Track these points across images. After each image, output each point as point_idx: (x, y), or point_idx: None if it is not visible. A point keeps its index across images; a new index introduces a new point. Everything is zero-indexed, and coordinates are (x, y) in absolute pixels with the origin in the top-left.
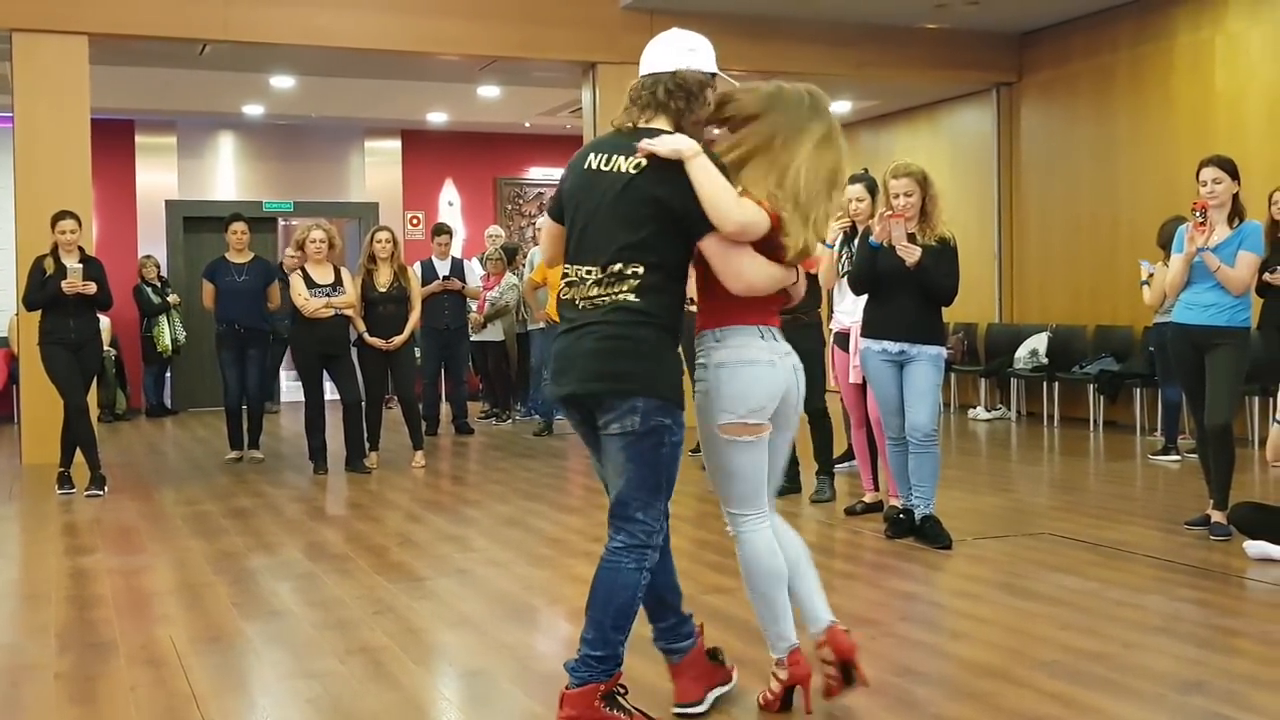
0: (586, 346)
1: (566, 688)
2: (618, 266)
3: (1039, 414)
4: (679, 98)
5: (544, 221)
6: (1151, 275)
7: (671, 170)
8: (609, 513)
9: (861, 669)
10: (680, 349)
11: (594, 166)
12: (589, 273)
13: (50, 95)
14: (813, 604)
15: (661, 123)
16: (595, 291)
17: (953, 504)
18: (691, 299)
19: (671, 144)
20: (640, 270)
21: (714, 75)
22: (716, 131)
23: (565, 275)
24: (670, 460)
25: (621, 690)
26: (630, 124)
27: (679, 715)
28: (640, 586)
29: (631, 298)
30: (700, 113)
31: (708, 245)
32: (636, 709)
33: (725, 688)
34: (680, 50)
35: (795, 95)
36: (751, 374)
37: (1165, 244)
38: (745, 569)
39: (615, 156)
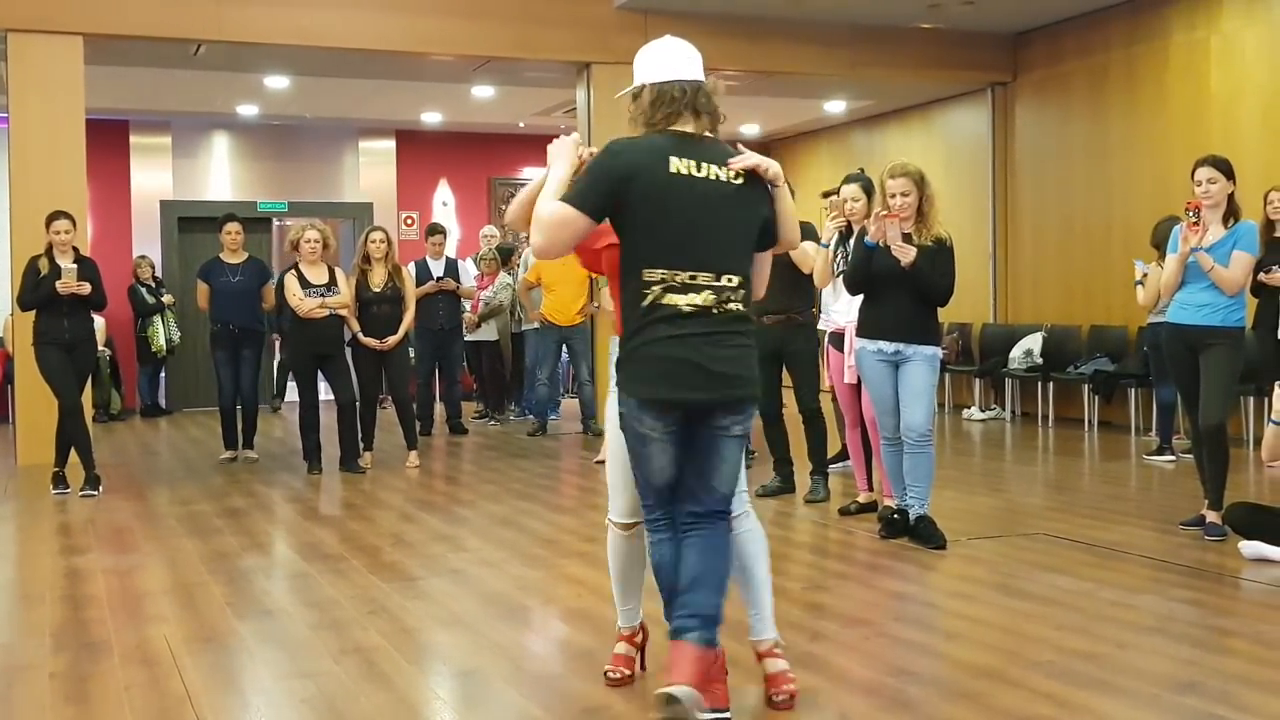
0: (720, 354)
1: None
2: (732, 278)
3: (1034, 414)
4: (707, 107)
5: (567, 210)
6: (1146, 275)
7: (763, 188)
8: (709, 496)
9: None
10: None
11: (683, 171)
12: (693, 278)
13: (45, 95)
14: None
15: (708, 131)
16: (711, 299)
17: (947, 504)
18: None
19: (772, 166)
20: (743, 280)
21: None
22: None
23: (661, 279)
24: None
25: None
26: (703, 132)
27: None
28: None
29: (742, 308)
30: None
31: (760, 258)
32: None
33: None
34: (694, 60)
35: None
36: None
37: (1159, 244)
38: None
39: (707, 165)
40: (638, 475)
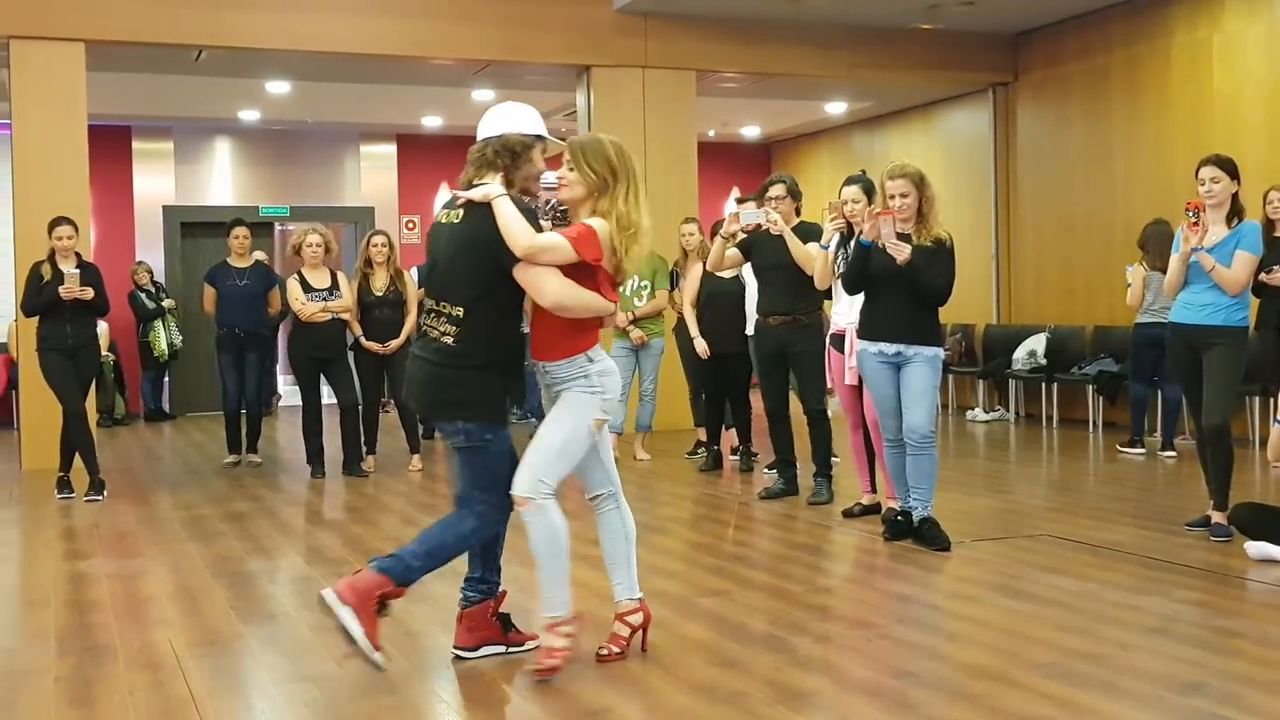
0: (415, 374)
1: (356, 572)
2: (446, 305)
3: (1037, 415)
4: (505, 156)
5: None
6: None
7: (483, 213)
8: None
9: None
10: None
11: (440, 220)
12: (436, 303)
13: (47, 101)
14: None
15: (493, 179)
16: (432, 324)
17: (950, 506)
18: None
19: (482, 191)
20: (466, 308)
21: (539, 137)
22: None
23: (428, 306)
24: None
25: (387, 605)
26: (467, 181)
27: (454, 655)
28: (468, 541)
29: (451, 336)
30: (527, 169)
31: (518, 271)
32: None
33: (500, 649)
34: (503, 117)
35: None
36: (618, 381)
37: (1144, 244)
38: (557, 532)
39: (446, 211)
40: None
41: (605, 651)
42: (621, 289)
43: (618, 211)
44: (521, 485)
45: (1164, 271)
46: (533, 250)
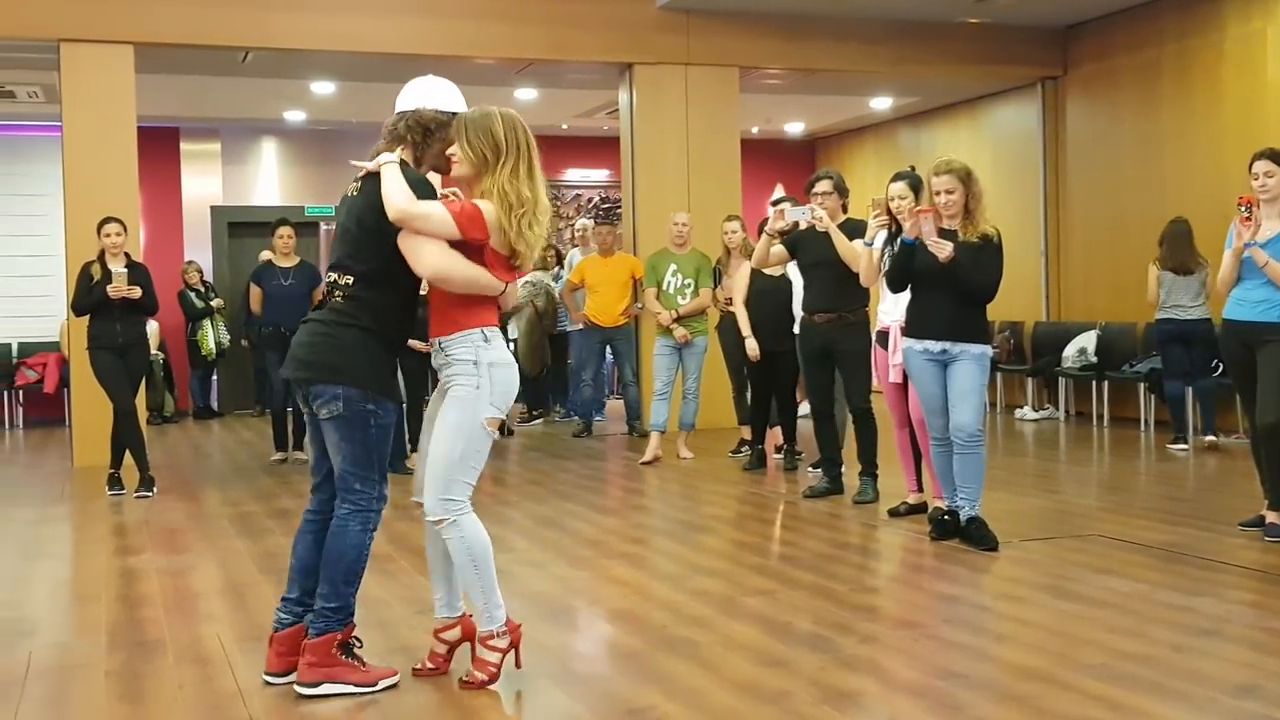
0: (300, 339)
1: (306, 637)
2: (333, 274)
3: (1088, 414)
4: (416, 132)
5: None
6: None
7: (372, 183)
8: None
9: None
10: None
11: (347, 193)
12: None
13: (97, 104)
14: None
15: (403, 153)
16: (335, 295)
17: (998, 505)
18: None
19: (376, 161)
20: (356, 275)
21: (454, 114)
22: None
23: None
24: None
25: (357, 643)
26: (374, 154)
27: (267, 681)
28: (365, 546)
29: (341, 299)
30: (438, 147)
31: (400, 240)
32: (364, 661)
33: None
34: (421, 93)
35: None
36: (513, 374)
37: (1161, 242)
38: (475, 545)
39: (352, 184)
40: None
41: (420, 666)
42: (665, 287)
43: (499, 189)
44: (432, 508)
45: (1175, 271)
46: (406, 215)
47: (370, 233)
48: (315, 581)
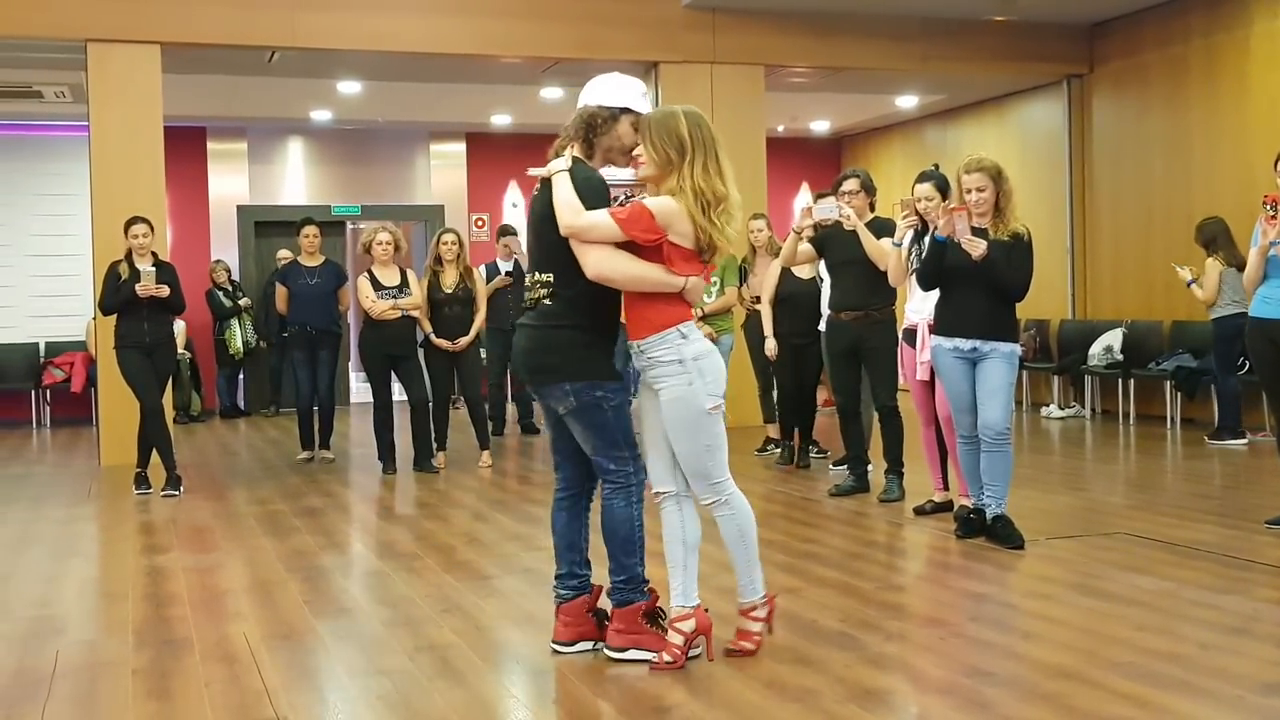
0: (520, 343)
1: (614, 606)
2: (538, 274)
3: (1114, 412)
4: (583, 129)
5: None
6: (1197, 279)
7: (548, 188)
8: (595, 468)
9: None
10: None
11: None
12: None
13: (124, 104)
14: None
15: (578, 149)
16: (528, 295)
17: (1025, 503)
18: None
19: (548, 168)
20: (550, 278)
21: (624, 110)
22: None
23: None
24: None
25: (661, 614)
26: (555, 150)
27: (555, 650)
28: (635, 519)
29: (548, 301)
30: (607, 141)
31: (571, 244)
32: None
33: (593, 644)
34: (592, 88)
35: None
36: (718, 359)
37: (1208, 243)
38: (743, 519)
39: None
40: None
41: (657, 661)
42: None
43: (694, 187)
44: (704, 495)
45: (1239, 268)
46: (574, 230)
47: (551, 240)
48: (578, 555)
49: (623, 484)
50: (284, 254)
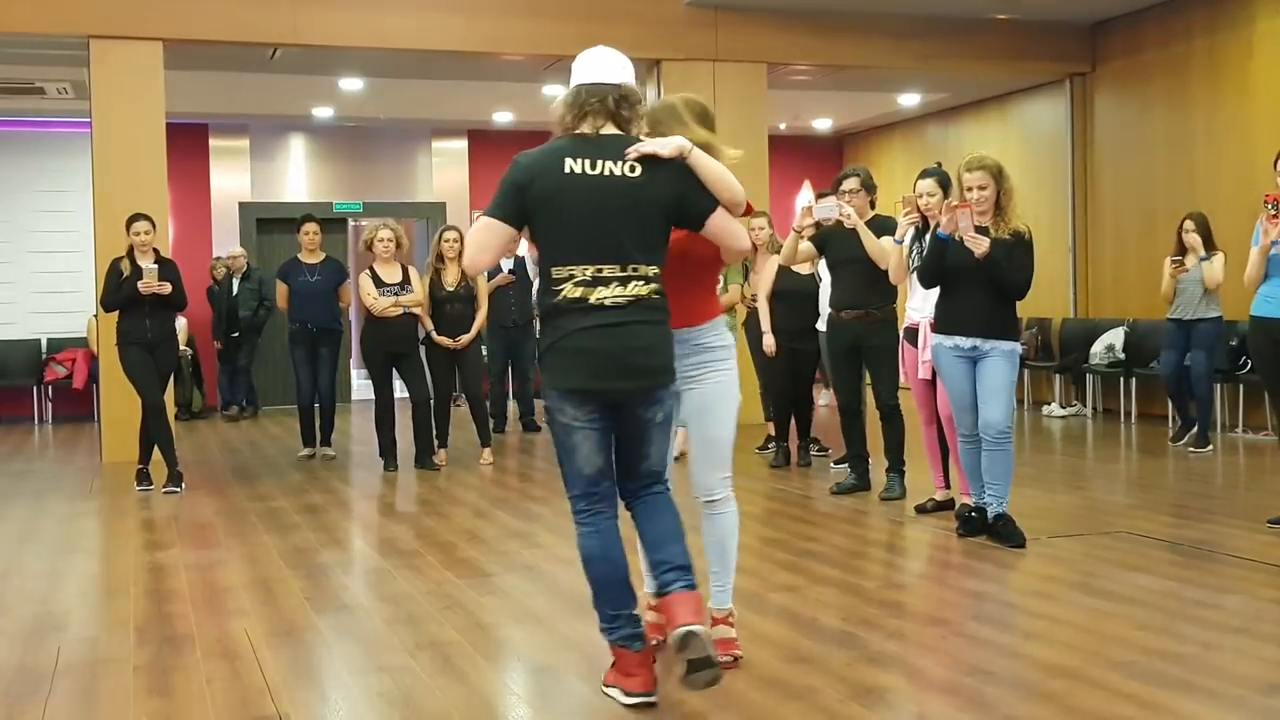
0: (632, 344)
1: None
2: (638, 267)
3: (1115, 411)
4: (625, 108)
5: (491, 223)
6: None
7: (671, 170)
8: (645, 475)
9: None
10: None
11: (577, 170)
12: (599, 271)
13: (126, 100)
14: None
15: (612, 129)
16: (619, 291)
17: (1027, 502)
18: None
19: (674, 144)
20: (658, 269)
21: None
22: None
23: (569, 276)
24: None
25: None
26: (592, 130)
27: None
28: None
29: (655, 296)
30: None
31: (716, 220)
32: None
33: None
34: (621, 67)
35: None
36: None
37: (1206, 234)
38: (736, 524)
39: (603, 162)
40: (564, 466)
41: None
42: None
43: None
44: (715, 487)
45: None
46: (741, 201)
47: (667, 219)
48: (671, 551)
49: (664, 485)
50: (235, 251)
